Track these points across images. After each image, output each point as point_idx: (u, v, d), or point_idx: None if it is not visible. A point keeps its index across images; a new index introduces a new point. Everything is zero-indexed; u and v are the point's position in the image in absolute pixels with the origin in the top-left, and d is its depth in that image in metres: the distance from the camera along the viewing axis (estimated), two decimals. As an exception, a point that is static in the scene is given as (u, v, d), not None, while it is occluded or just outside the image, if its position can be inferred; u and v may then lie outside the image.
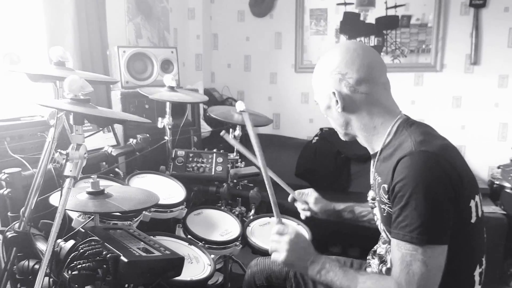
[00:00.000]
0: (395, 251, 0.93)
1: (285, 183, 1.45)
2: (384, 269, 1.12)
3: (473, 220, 0.96)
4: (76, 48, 2.08)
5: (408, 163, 0.91)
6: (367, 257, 1.25)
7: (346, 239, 2.64)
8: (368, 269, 1.22)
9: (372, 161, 1.11)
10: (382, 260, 1.14)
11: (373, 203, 1.17)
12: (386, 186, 0.96)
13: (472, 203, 0.96)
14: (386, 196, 0.97)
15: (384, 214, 1.01)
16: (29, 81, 1.25)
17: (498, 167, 2.64)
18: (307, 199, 1.43)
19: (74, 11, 2.05)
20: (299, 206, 1.44)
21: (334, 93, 1.04)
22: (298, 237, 1.08)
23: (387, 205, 0.97)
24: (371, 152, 1.10)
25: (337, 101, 1.05)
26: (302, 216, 1.45)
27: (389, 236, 1.01)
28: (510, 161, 2.61)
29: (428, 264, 0.89)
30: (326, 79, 1.06)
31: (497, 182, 2.55)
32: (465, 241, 0.97)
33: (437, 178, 0.90)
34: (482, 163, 2.95)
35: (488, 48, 2.85)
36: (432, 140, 0.96)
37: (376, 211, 1.09)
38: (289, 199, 1.45)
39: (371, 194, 1.17)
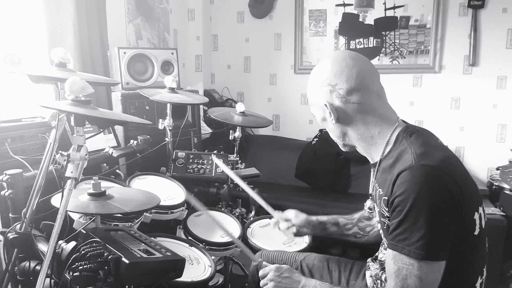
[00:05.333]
0: (391, 263, 0.93)
1: (266, 203, 1.44)
2: (384, 276, 1.12)
3: (476, 232, 0.95)
4: (77, 49, 2.08)
5: (408, 177, 0.89)
6: (368, 260, 1.26)
7: (346, 241, 2.65)
8: (367, 272, 1.22)
9: (372, 171, 1.10)
10: (383, 267, 1.13)
11: (371, 213, 1.17)
12: (386, 198, 0.95)
13: (476, 216, 0.95)
14: (386, 209, 0.96)
15: (385, 227, 1.00)
16: (30, 82, 1.25)
17: (497, 169, 2.64)
18: (288, 216, 1.38)
19: (75, 13, 2.05)
20: (282, 226, 1.38)
21: (326, 105, 1.03)
22: (279, 270, 1.15)
23: (387, 218, 0.96)
24: (371, 162, 1.09)
25: (330, 113, 1.03)
26: (289, 236, 1.41)
27: None
28: (509, 162, 2.62)
29: (424, 280, 0.89)
30: (317, 92, 1.05)
31: (496, 184, 2.55)
32: (468, 253, 0.96)
33: (438, 193, 0.88)
34: (481, 165, 2.96)
35: (486, 49, 2.86)
36: (433, 152, 0.94)
37: (377, 221, 1.09)
38: (272, 224, 1.42)
39: (368, 203, 1.16)
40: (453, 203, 0.89)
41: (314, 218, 1.37)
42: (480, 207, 0.98)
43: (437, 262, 0.90)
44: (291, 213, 1.38)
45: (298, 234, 1.37)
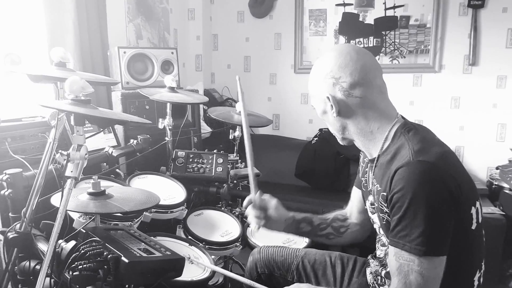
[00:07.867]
0: (393, 260, 0.93)
1: (254, 182, 1.24)
2: (383, 273, 1.12)
3: (473, 226, 0.96)
4: (77, 48, 2.09)
5: (405, 173, 0.89)
6: (368, 257, 1.27)
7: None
8: (368, 269, 1.23)
9: (369, 167, 1.10)
10: (382, 264, 1.14)
11: (373, 208, 1.17)
12: (384, 194, 0.96)
13: (473, 210, 0.96)
14: (385, 205, 0.96)
15: (384, 222, 1.00)
16: (30, 81, 1.25)
17: (497, 168, 2.64)
18: (267, 204, 1.24)
19: (75, 12, 2.05)
20: (252, 212, 1.22)
21: (328, 97, 1.02)
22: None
23: (386, 213, 0.97)
24: (369, 158, 1.09)
25: (332, 105, 1.03)
26: (254, 227, 1.25)
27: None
28: (508, 162, 2.62)
29: (425, 276, 0.89)
30: (320, 84, 1.05)
31: (496, 183, 2.56)
32: (466, 247, 0.97)
33: (435, 189, 0.88)
34: (480, 164, 2.96)
35: (486, 49, 2.86)
36: (430, 148, 0.94)
37: (375, 217, 1.09)
38: (245, 203, 1.24)
39: (370, 199, 1.15)
40: (451, 198, 0.89)
41: (290, 214, 1.27)
42: (477, 202, 0.98)
43: (437, 258, 0.90)
44: (271, 203, 1.24)
45: (265, 227, 1.24)
